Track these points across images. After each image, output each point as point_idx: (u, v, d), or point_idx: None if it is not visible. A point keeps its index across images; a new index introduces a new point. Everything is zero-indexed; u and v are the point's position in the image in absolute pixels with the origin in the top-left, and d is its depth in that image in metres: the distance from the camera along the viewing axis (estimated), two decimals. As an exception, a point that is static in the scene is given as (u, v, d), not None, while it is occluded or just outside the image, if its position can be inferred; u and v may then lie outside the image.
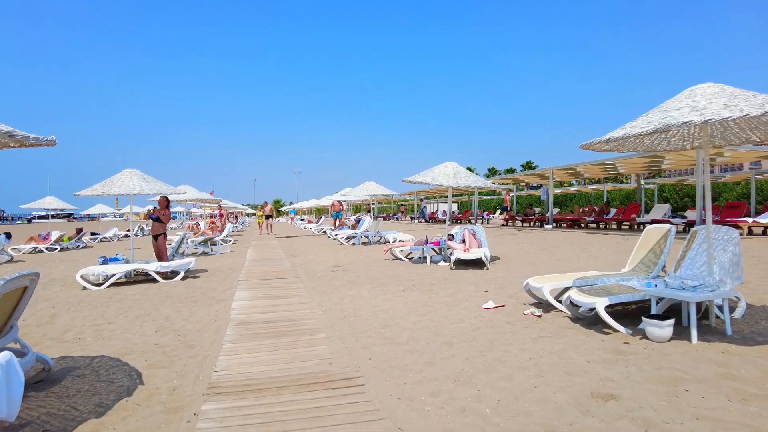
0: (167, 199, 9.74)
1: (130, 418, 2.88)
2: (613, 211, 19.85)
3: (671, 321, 4.00)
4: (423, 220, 33.76)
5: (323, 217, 35.64)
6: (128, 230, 26.42)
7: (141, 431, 2.73)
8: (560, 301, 5.24)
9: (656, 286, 4.54)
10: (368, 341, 4.36)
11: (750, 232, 13.18)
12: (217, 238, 15.38)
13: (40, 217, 64.58)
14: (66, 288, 8.05)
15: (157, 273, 8.48)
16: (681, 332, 4.16)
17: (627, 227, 18.09)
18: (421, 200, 41.70)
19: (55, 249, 16.87)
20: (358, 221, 19.06)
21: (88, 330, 5.12)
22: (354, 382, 3.28)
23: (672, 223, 14.04)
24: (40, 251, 16.46)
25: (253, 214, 46.06)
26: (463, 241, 9.60)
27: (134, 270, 8.62)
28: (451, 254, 9.23)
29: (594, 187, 33.78)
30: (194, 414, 2.89)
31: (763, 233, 13.32)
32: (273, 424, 2.69)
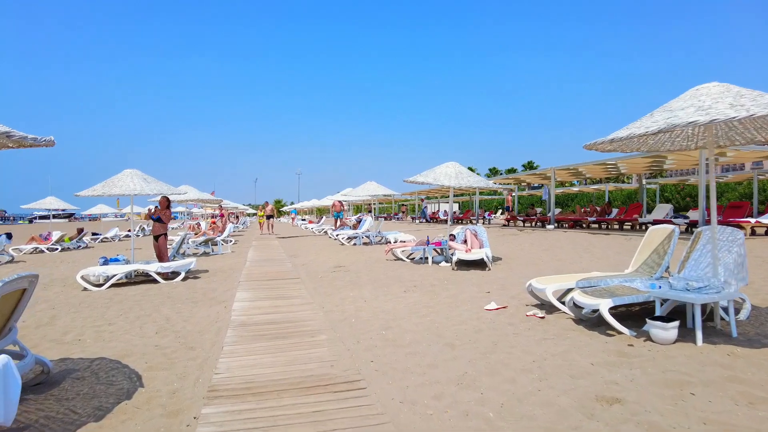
0: (168, 199, 9.71)
1: (129, 422, 2.85)
2: (614, 211, 19.80)
3: (676, 323, 3.96)
4: (424, 220, 33.72)
5: (324, 217, 35.61)
6: (129, 230, 26.40)
7: (140, 435, 2.70)
8: (563, 303, 5.21)
9: (660, 287, 4.49)
10: (370, 343, 4.32)
11: (753, 233, 13.13)
12: (218, 239, 15.36)
13: (42, 217, 64.61)
14: (66, 289, 8.02)
15: (158, 274, 8.45)
16: (685, 334, 4.12)
17: (629, 227, 18.03)
18: (422, 200, 41.65)
19: (56, 249, 16.87)
20: (359, 221, 19.03)
21: (88, 331, 5.10)
22: (356, 386, 3.25)
23: (674, 224, 13.99)
24: (41, 251, 16.45)
25: (254, 214, 46.07)
26: (465, 241, 9.56)
27: (135, 271, 8.59)
28: (452, 255, 9.19)
29: (595, 187, 33.69)
30: (194, 418, 2.86)
31: (766, 233, 13.26)
32: (274, 428, 2.66)
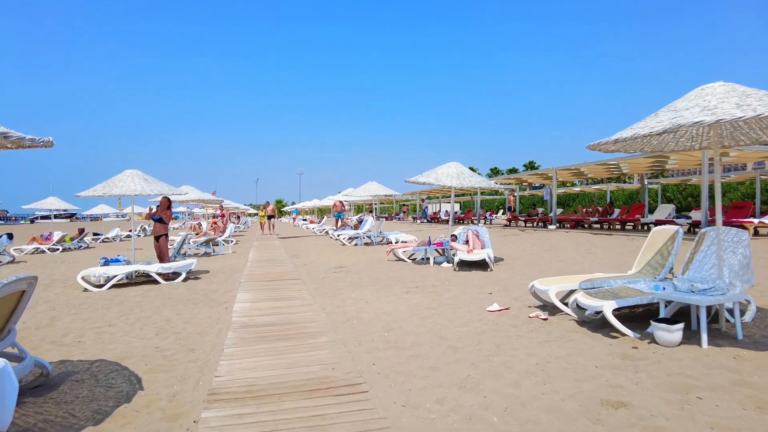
0: (169, 199, 9.69)
1: (128, 426, 2.82)
2: (616, 211, 19.74)
3: (681, 325, 3.91)
4: (425, 221, 33.67)
5: (325, 218, 35.58)
6: (130, 230, 26.43)
7: (140, 439, 2.67)
8: (566, 304, 5.16)
9: (664, 289, 4.45)
10: (371, 345, 4.29)
11: (756, 233, 13.06)
12: (219, 239, 15.34)
13: (43, 218, 64.67)
14: (67, 289, 8.00)
15: (159, 274, 8.43)
16: (690, 336, 4.08)
17: (631, 227, 17.97)
18: (423, 200, 41.58)
19: (58, 249, 16.86)
20: (360, 221, 18.99)
21: (88, 333, 5.07)
22: (357, 389, 3.21)
23: (677, 224, 13.94)
24: (42, 252, 16.45)
25: (255, 215, 46.04)
26: (467, 242, 9.53)
27: (135, 271, 8.56)
28: (454, 255, 9.15)
29: (597, 187, 33.60)
30: (194, 422, 2.83)
31: (769, 234, 13.19)
32: (275, 432, 2.62)
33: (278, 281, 8.21)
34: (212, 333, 4.93)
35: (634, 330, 4.29)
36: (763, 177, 16.86)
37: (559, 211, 23.83)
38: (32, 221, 69.24)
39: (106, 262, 9.10)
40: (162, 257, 9.40)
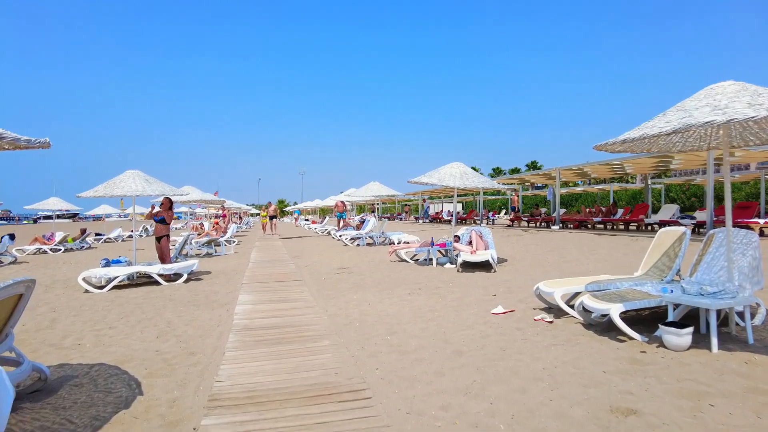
0: (170, 200, 9.64)
1: (127, 433, 2.76)
2: (620, 211, 19.63)
3: (690, 329, 3.83)
4: (427, 221, 33.59)
5: (327, 218, 35.53)
6: (132, 231, 26.45)
7: (138, 447, 2.61)
8: (572, 307, 5.09)
9: (672, 291, 4.37)
10: (375, 349, 4.22)
11: (761, 233, 12.94)
12: (221, 239, 15.30)
13: (46, 218, 64.86)
14: (68, 290, 7.96)
15: (160, 275, 8.38)
16: (699, 340, 4.00)
17: (635, 228, 17.86)
18: (424, 200, 41.50)
19: (60, 250, 16.85)
20: (362, 222, 18.93)
21: (88, 335, 5.01)
22: (361, 395, 3.14)
23: (681, 224, 13.83)
24: (45, 252, 16.44)
25: (258, 215, 46.03)
26: (470, 242, 9.45)
27: (137, 272, 8.52)
28: (457, 256, 9.08)
29: (600, 187, 33.45)
30: (194, 429, 2.76)
31: (775, 234, 13.07)
32: (276, 440, 2.56)
33: (280, 282, 8.15)
34: (213, 336, 4.87)
35: (642, 333, 4.22)
36: (767, 177, 16.71)
37: (562, 211, 23.70)
38: (35, 221, 69.42)
39: (107, 263, 9.06)
40: (163, 258, 9.35)
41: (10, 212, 77.59)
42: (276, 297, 6.78)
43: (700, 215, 15.31)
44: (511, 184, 31.65)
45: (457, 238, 9.89)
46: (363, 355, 4.04)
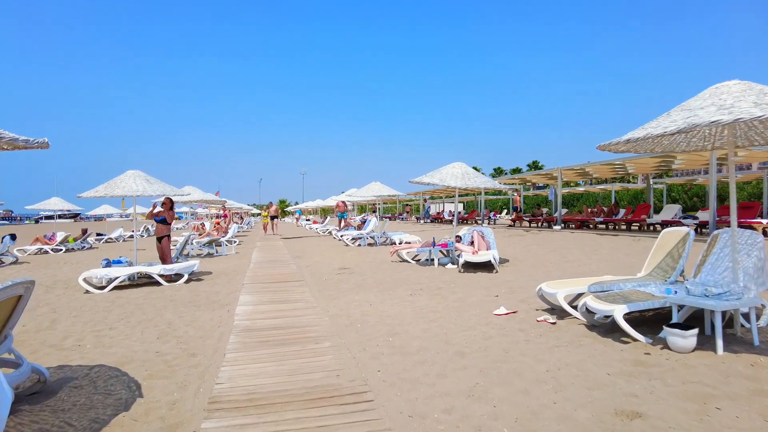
0: (171, 200, 9.62)
1: (126, 436, 2.73)
2: (621, 211, 19.57)
3: (695, 331, 3.80)
4: (428, 221, 33.54)
5: (328, 218, 35.51)
6: (133, 231, 26.44)
7: (137, 451, 2.58)
8: (575, 307, 5.05)
9: (676, 292, 4.33)
10: (376, 351, 4.18)
11: (765, 233, 12.88)
12: (222, 239, 15.28)
13: (47, 218, 64.92)
14: (69, 291, 7.94)
15: (161, 276, 8.36)
16: (704, 342, 3.96)
17: (636, 228, 17.81)
18: (425, 200, 41.45)
19: (61, 250, 16.85)
20: (363, 222, 18.90)
21: (89, 336, 4.99)
22: (362, 398, 3.11)
23: (683, 224, 13.78)
24: (46, 252, 16.44)
25: (259, 215, 46.01)
26: (472, 243, 9.42)
27: (138, 273, 8.50)
28: (459, 256, 9.05)
29: (601, 186, 33.38)
30: (194, 432, 2.74)
31: (778, 234, 13.01)
32: (277, 444, 2.53)
33: (281, 283, 8.12)
34: (214, 337, 4.84)
35: (646, 335, 4.18)
36: (770, 177, 16.65)
37: (564, 211, 23.64)
38: (37, 221, 69.51)
39: (108, 264, 9.04)
40: (164, 258, 9.33)
41: (12, 212, 77.69)
42: (277, 298, 6.75)
43: (703, 215, 15.25)
44: (513, 184, 31.58)
45: (459, 239, 9.85)
46: (364, 357, 4.01)
